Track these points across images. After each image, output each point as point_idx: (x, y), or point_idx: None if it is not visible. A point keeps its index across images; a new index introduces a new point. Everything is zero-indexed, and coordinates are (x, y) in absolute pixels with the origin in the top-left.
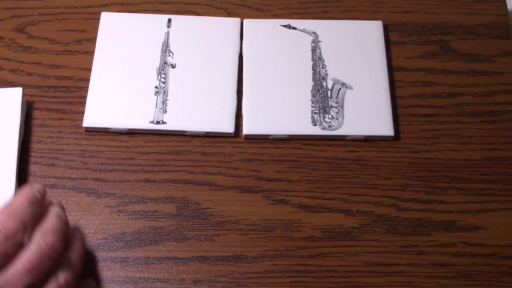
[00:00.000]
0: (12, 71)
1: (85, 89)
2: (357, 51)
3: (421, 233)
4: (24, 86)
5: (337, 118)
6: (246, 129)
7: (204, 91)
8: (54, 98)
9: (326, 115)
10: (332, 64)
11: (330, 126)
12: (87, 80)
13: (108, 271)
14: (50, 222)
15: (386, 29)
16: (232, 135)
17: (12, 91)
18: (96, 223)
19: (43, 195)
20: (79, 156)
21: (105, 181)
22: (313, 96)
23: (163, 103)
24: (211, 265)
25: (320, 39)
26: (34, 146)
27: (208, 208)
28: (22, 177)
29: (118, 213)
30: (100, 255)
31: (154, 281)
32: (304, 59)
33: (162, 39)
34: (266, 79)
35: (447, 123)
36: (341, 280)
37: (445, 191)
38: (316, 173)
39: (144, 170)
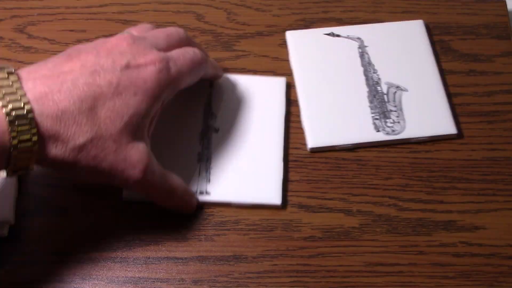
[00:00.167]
0: None
1: None
2: (403, 52)
3: (421, 233)
4: None
5: (399, 122)
6: (311, 143)
7: (249, 158)
8: None
9: (388, 120)
10: (382, 68)
11: (393, 131)
12: None
13: (108, 271)
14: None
15: (428, 28)
16: (279, 207)
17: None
18: (96, 223)
19: None
20: None
21: None
22: (371, 102)
23: (206, 172)
24: (211, 265)
25: (365, 43)
26: None
27: (208, 208)
28: (22, 177)
29: (118, 213)
30: (100, 255)
31: (154, 281)
32: (353, 65)
33: (204, 100)
34: (320, 89)
35: None
36: (341, 280)
37: (445, 191)
38: (316, 173)
39: None
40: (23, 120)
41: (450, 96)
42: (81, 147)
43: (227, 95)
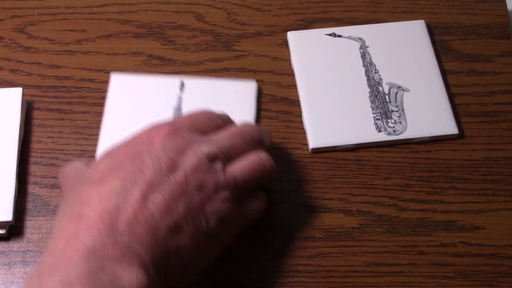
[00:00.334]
0: (12, 71)
1: (85, 89)
2: (405, 52)
3: (421, 233)
4: (24, 86)
5: (400, 122)
6: (313, 143)
7: None
8: (54, 98)
9: (389, 120)
10: (383, 69)
11: (395, 131)
12: (86, 80)
13: None
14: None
15: (429, 28)
16: None
17: (12, 91)
18: None
19: None
20: (79, 156)
21: None
22: (372, 102)
23: None
24: (211, 265)
25: (367, 43)
26: (34, 146)
27: None
28: (22, 177)
29: None
30: None
31: None
32: (355, 66)
33: (174, 103)
34: (321, 90)
35: None
36: (341, 280)
37: (445, 191)
38: (316, 173)
39: None
40: None
41: (451, 96)
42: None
43: (198, 98)
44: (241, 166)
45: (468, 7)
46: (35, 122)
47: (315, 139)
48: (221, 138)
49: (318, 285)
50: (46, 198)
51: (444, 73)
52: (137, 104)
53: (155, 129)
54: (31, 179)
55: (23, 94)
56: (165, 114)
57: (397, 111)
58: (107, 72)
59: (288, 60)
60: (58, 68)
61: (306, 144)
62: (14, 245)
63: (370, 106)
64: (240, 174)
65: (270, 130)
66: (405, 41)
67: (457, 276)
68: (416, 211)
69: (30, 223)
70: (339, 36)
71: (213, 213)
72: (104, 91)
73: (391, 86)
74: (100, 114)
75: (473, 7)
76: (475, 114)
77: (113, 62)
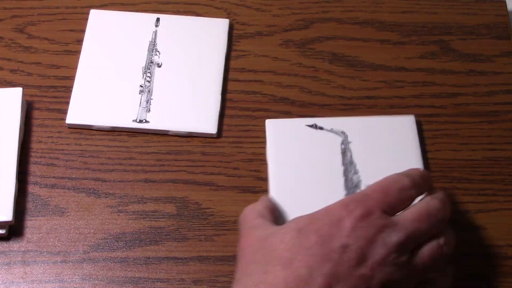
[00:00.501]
0: (12, 71)
1: None
2: (390, 151)
3: None
4: (24, 86)
5: None
6: None
7: (189, 92)
8: (54, 98)
9: None
10: (365, 169)
11: None
12: None
13: (108, 271)
14: (438, 194)
15: (419, 124)
16: (215, 136)
17: (12, 91)
18: (96, 223)
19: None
20: (79, 156)
21: (105, 181)
22: None
23: (147, 102)
24: (211, 265)
25: (350, 139)
26: (34, 146)
27: (208, 208)
28: (22, 177)
29: (118, 213)
30: (100, 255)
31: (154, 281)
32: (334, 164)
33: (149, 38)
34: (293, 188)
35: (447, 123)
36: None
37: (445, 191)
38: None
39: (144, 170)
40: None
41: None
42: None
43: (172, 33)
44: (423, 256)
45: (468, 7)
46: (35, 122)
47: None
48: (409, 222)
49: None
50: (46, 198)
51: (428, 167)
52: (114, 38)
53: (346, 208)
54: (31, 179)
55: (23, 94)
56: (141, 47)
57: None
58: None
59: (288, 60)
60: (58, 68)
61: None
62: (14, 245)
63: None
64: (421, 264)
65: None
66: (392, 139)
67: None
68: None
69: (30, 223)
70: (321, 128)
71: None
72: None
73: None
74: None
75: (473, 7)
76: (475, 114)
77: None
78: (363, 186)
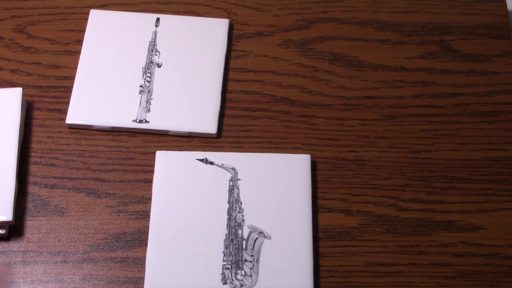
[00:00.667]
0: (12, 71)
1: None
2: (279, 189)
3: (421, 233)
4: (24, 86)
5: (251, 275)
6: (150, 285)
7: (189, 92)
8: (54, 98)
9: (239, 271)
10: (250, 207)
11: (242, 286)
12: None
13: (108, 271)
14: None
15: (314, 164)
16: (215, 136)
17: (12, 91)
18: (96, 223)
19: None
20: (79, 156)
21: (105, 181)
22: (226, 247)
23: (147, 102)
24: None
25: (240, 175)
26: (34, 146)
27: None
28: (22, 177)
29: (118, 213)
30: (100, 255)
31: None
32: (219, 200)
33: (149, 38)
34: (174, 224)
35: (447, 123)
36: (341, 280)
37: (445, 191)
38: (316, 173)
39: (144, 170)
40: None
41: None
42: None
43: (172, 33)
44: None
45: (468, 7)
46: (35, 122)
47: (152, 281)
48: None
49: (318, 285)
50: (46, 198)
51: (316, 211)
52: (114, 38)
53: None
54: (31, 179)
55: (23, 94)
56: (141, 47)
57: (251, 262)
58: None
59: (288, 60)
60: (58, 68)
61: (307, 144)
62: (14, 245)
63: (223, 252)
64: None
65: (270, 130)
66: (284, 177)
67: (457, 276)
68: (416, 211)
69: (30, 223)
70: (211, 163)
71: None
72: None
73: (253, 230)
74: None
75: (473, 7)
76: (475, 114)
77: None
78: (245, 226)
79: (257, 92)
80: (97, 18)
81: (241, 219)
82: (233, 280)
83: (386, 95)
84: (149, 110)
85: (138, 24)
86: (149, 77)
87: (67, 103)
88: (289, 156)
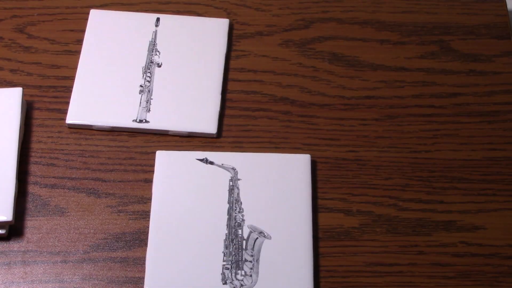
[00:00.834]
0: (12, 71)
1: None
2: (279, 189)
3: (421, 233)
4: (24, 86)
5: (251, 275)
6: (150, 285)
7: (189, 91)
8: (54, 98)
9: (239, 271)
10: (250, 207)
11: (241, 286)
12: None
13: (108, 271)
14: None
15: (314, 164)
16: (215, 136)
17: (12, 91)
18: (96, 223)
19: None
20: (79, 156)
21: (105, 181)
22: (226, 247)
23: (147, 102)
24: None
25: (240, 175)
26: (34, 146)
27: None
28: (22, 177)
29: (118, 213)
30: (100, 255)
31: None
32: (220, 200)
33: (149, 38)
34: (174, 224)
35: (447, 123)
36: (341, 280)
37: (445, 191)
38: (316, 173)
39: (144, 170)
40: None
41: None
42: None
43: (172, 33)
44: None
45: (468, 7)
46: (35, 122)
47: (152, 281)
48: None
49: (318, 285)
50: (46, 198)
51: (316, 211)
52: (114, 38)
53: None
54: (31, 179)
55: (23, 94)
56: (141, 47)
57: (251, 262)
58: None
59: (288, 60)
60: (58, 68)
61: (307, 144)
62: (14, 245)
63: (223, 252)
64: None
65: (270, 130)
66: (284, 177)
67: (457, 276)
68: (416, 211)
69: (30, 223)
70: (211, 163)
71: None
72: None
73: (252, 230)
74: None
75: (473, 7)
76: (475, 114)
77: None
78: (245, 226)
79: (257, 92)
80: (97, 18)
81: (241, 219)
82: (233, 280)
83: (386, 95)
84: (149, 110)
85: (138, 24)
86: (149, 77)
87: (67, 103)
88: (289, 156)
